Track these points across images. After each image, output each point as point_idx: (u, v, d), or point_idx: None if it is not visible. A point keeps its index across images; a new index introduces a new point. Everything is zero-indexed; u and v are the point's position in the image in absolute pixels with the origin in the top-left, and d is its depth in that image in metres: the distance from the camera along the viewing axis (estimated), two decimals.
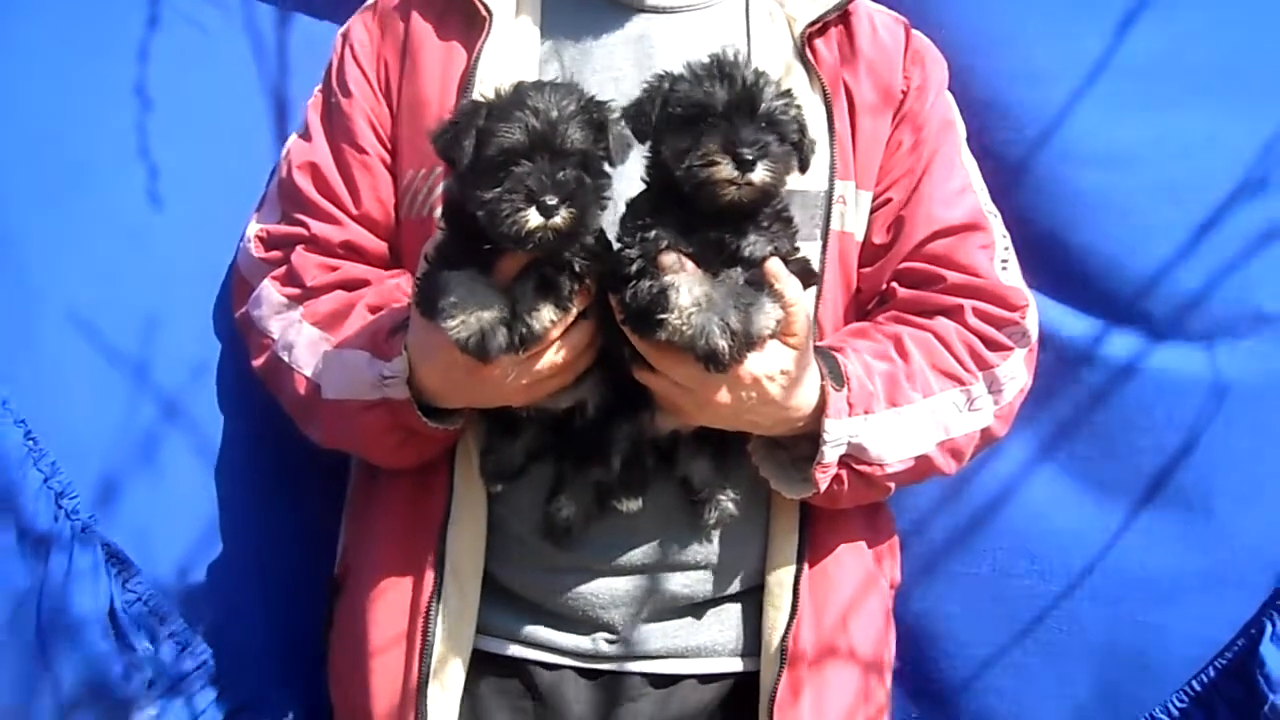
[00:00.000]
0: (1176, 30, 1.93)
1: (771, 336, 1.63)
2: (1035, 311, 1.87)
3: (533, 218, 1.54)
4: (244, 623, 2.03)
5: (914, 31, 1.91)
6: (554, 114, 1.56)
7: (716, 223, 1.60)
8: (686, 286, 1.56)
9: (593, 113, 1.60)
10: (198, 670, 1.97)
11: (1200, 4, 1.94)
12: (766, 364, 1.65)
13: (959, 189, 1.87)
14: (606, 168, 1.61)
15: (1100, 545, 2.02)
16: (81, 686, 1.86)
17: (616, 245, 1.65)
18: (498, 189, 1.54)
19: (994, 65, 1.98)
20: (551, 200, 1.54)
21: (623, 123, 1.62)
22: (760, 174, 1.56)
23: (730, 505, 1.79)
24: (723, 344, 1.55)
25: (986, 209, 1.89)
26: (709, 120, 1.57)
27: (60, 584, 1.85)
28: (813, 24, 1.84)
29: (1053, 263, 1.98)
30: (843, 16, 1.87)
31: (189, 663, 1.96)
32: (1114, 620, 2.03)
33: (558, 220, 1.54)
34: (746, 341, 1.57)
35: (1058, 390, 2.00)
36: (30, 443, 1.86)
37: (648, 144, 1.65)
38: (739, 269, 1.60)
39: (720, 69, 1.59)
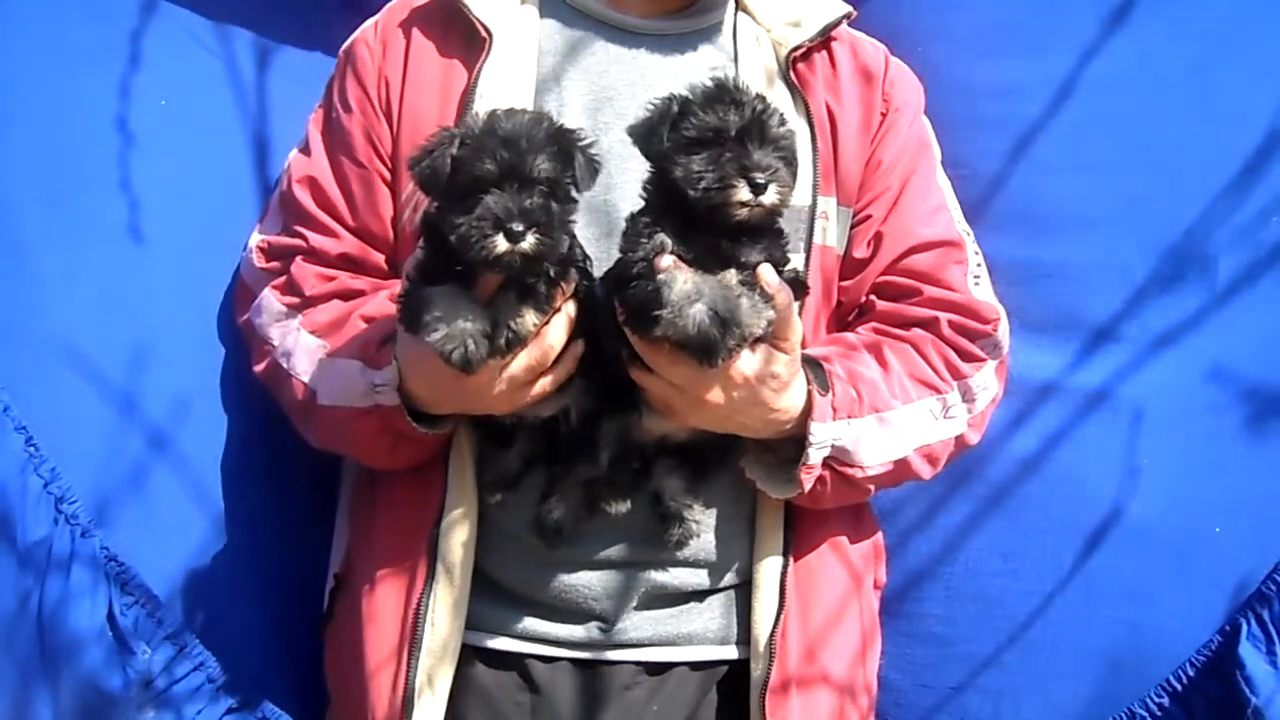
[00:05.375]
0: (1147, 42, 2.01)
1: (763, 339, 1.71)
2: (1006, 324, 1.95)
3: (500, 243, 1.62)
4: (240, 624, 2.06)
5: (892, 58, 2.01)
6: (523, 143, 1.64)
7: (714, 232, 1.69)
8: (679, 283, 1.64)
9: (560, 141, 1.68)
10: (194, 672, 1.98)
11: (1170, 16, 2.02)
12: (759, 366, 1.72)
13: (935, 207, 1.96)
14: (573, 193, 1.70)
15: (1072, 545, 2.09)
16: (81, 690, 1.88)
17: (620, 251, 1.73)
18: (468, 216, 1.63)
19: (969, 81, 2.07)
20: (518, 227, 1.62)
21: (591, 149, 1.71)
22: (771, 196, 1.66)
23: (694, 525, 1.85)
24: (714, 333, 1.62)
25: (960, 227, 1.98)
26: (723, 144, 1.66)
27: (60, 589, 1.87)
28: (797, 48, 1.93)
29: (1025, 276, 2.07)
30: (825, 42, 1.96)
31: (185, 665, 1.98)
32: (1090, 618, 2.09)
33: (524, 246, 1.63)
34: (738, 335, 1.64)
35: (1026, 393, 2.07)
36: (30, 449, 1.89)
37: (651, 162, 1.73)
38: (734, 271, 1.68)
39: (729, 94, 1.68)
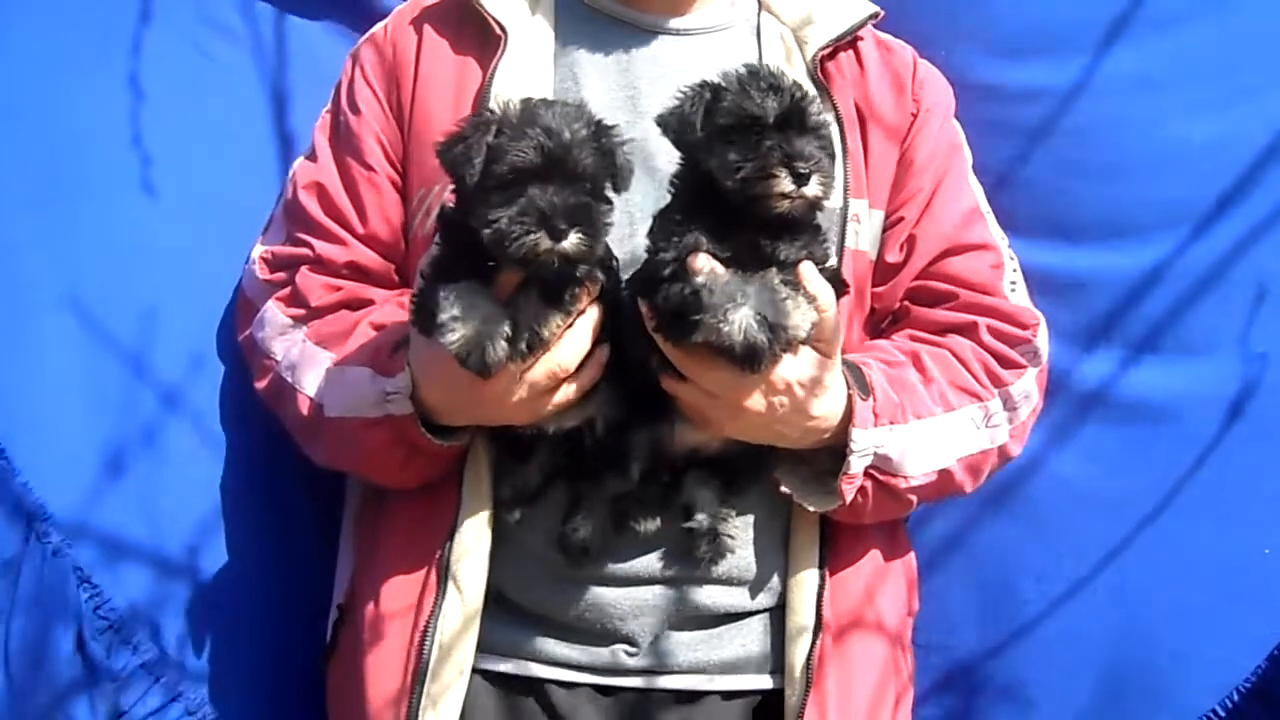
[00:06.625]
0: (1177, 42, 1.98)
1: (805, 341, 1.62)
2: (1045, 331, 1.88)
3: (542, 241, 1.53)
4: (232, 656, 1.95)
5: (920, 59, 1.97)
6: (566, 136, 1.56)
7: (751, 228, 1.60)
8: (720, 286, 1.55)
9: (602, 137, 1.60)
10: (173, 702, 1.88)
11: (1200, 17, 1.99)
12: (799, 369, 1.63)
13: (969, 210, 1.91)
14: (610, 194, 1.61)
15: (1111, 569, 2.01)
16: (50, 713, 1.76)
17: (648, 251, 1.64)
18: (508, 209, 1.53)
19: (995, 85, 2.03)
20: (562, 225, 1.53)
21: (626, 148, 1.63)
22: (814, 188, 1.57)
23: (728, 540, 1.75)
24: (762, 338, 1.53)
25: (995, 232, 1.92)
26: (761, 132, 1.57)
27: (30, 608, 1.77)
28: (824, 47, 1.88)
29: (1057, 285, 2.01)
30: (851, 41, 1.91)
31: (161, 695, 1.86)
32: (1132, 646, 2.01)
33: (566, 245, 1.53)
34: (784, 338, 1.55)
35: (1062, 407, 2.00)
36: (3, 461, 1.79)
37: (682, 152, 1.65)
38: (774, 269, 1.59)
39: (765, 80, 1.59)
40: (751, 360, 1.55)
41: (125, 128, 1.88)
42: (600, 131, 1.61)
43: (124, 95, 1.88)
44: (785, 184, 1.56)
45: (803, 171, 1.56)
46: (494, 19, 1.85)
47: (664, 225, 1.64)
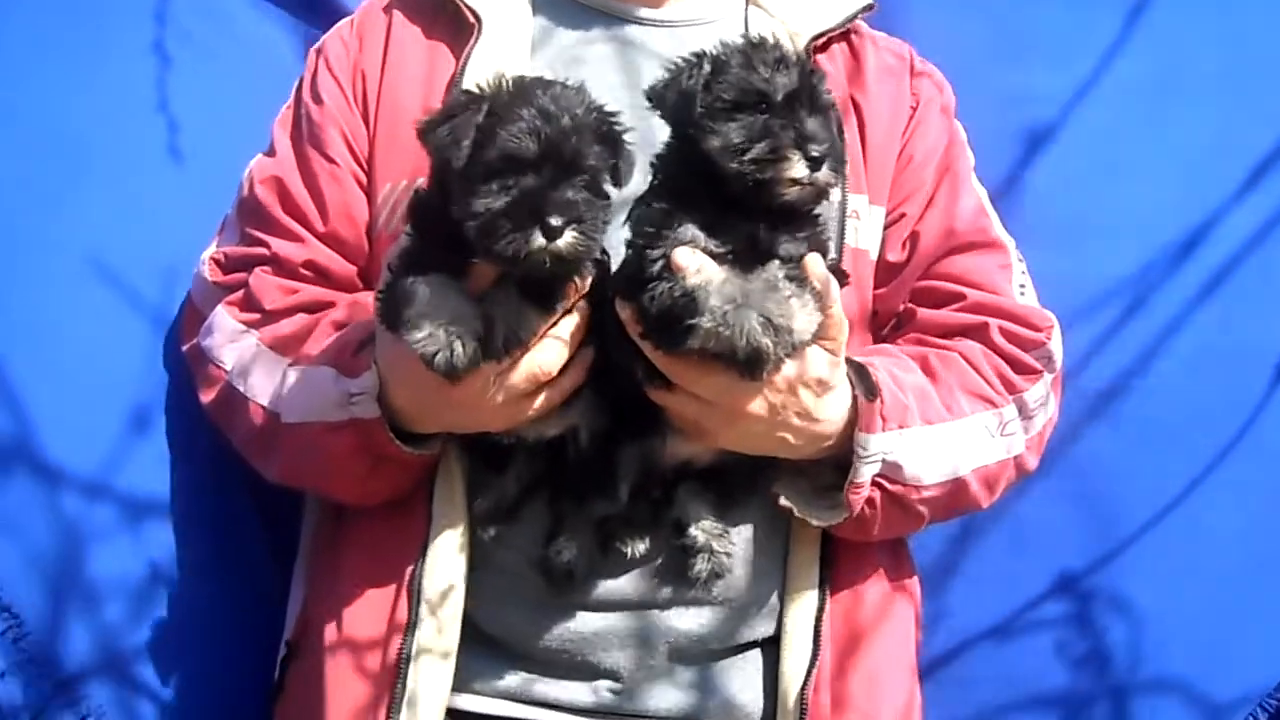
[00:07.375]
0: (1178, 45, 1.93)
1: (810, 341, 1.48)
2: (1059, 335, 1.77)
3: (535, 239, 1.38)
4: (166, 693, 1.78)
5: (918, 56, 1.88)
6: (566, 121, 1.41)
7: (749, 218, 1.46)
8: (716, 285, 1.40)
9: (605, 125, 1.46)
10: None
11: (1201, 18, 1.94)
12: (803, 367, 1.50)
13: (974, 208, 1.80)
14: (609, 188, 1.47)
15: (1131, 584, 1.91)
16: None
17: (629, 246, 1.50)
18: (497, 201, 1.39)
19: (990, 88, 1.95)
20: (557, 221, 1.38)
21: (628, 135, 1.48)
22: (825, 173, 1.44)
23: (725, 558, 1.61)
24: (766, 342, 1.38)
25: (1000, 232, 1.82)
26: (769, 110, 1.43)
27: None
28: (816, 38, 1.79)
29: (1061, 290, 1.88)
30: (845, 36, 1.83)
31: None
32: (1155, 675, 1.90)
33: (560, 245, 1.39)
34: (789, 341, 1.41)
35: (1068, 413, 1.87)
36: None
37: (676, 129, 1.50)
38: (776, 263, 1.44)
39: (772, 51, 1.46)
40: (754, 366, 1.40)
41: (151, 95, 1.82)
42: (604, 117, 1.46)
43: (148, 62, 1.83)
44: (799, 168, 1.42)
45: (816, 155, 1.42)
46: (467, 6, 1.75)
47: (648, 215, 1.48)
